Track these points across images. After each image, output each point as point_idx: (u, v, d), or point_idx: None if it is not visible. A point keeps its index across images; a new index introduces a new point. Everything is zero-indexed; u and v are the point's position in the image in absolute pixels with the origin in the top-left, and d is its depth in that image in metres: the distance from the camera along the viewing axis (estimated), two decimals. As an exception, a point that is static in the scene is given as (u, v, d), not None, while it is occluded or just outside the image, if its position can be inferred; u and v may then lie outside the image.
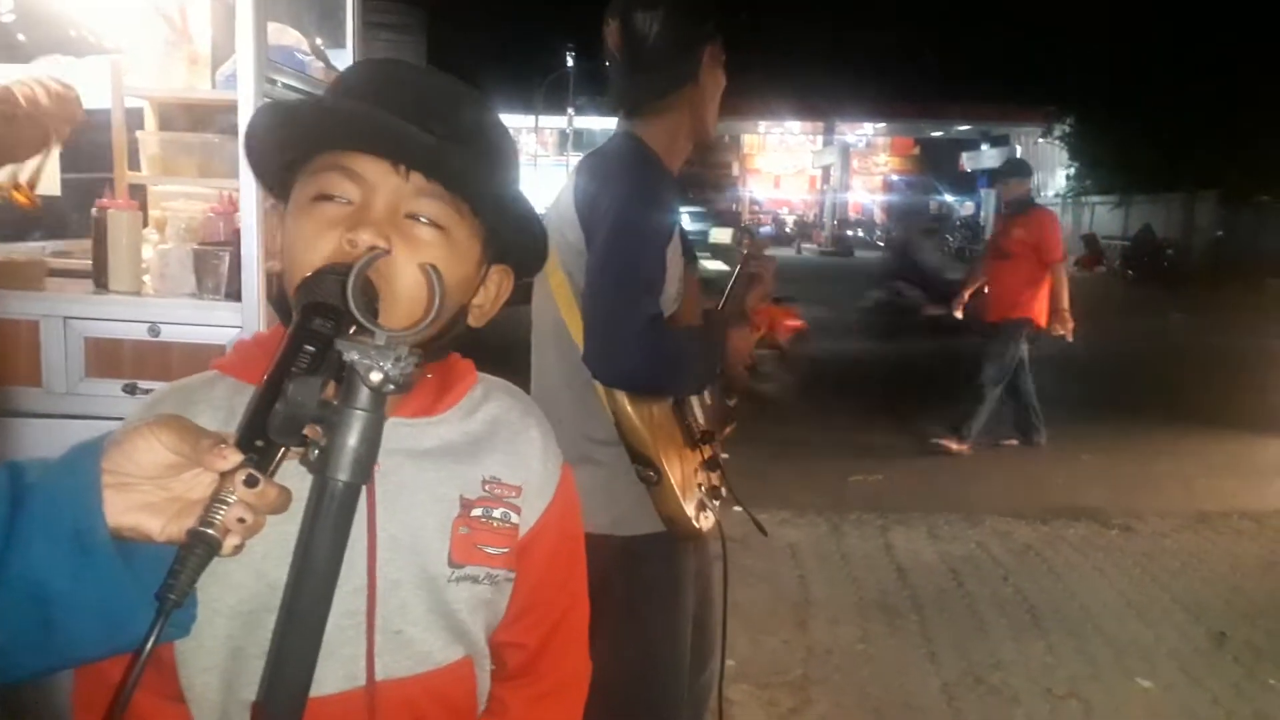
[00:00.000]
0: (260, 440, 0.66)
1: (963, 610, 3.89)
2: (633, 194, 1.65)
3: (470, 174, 0.85)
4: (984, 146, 43.92)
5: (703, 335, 1.77)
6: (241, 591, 0.67)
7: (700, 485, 1.76)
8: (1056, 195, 33.79)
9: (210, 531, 0.64)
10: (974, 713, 3.09)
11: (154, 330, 2.03)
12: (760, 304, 1.97)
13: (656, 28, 1.67)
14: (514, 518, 0.94)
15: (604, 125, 42.14)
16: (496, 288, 0.95)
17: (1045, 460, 6.28)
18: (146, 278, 2.17)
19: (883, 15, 42.03)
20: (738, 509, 1.94)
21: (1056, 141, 33.71)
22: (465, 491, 0.91)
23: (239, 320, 1.99)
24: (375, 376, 0.65)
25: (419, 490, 0.88)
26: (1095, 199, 31.16)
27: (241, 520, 0.64)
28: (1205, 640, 3.63)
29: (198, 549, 0.64)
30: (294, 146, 0.86)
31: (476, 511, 0.91)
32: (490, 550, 0.91)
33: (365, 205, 0.82)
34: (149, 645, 0.62)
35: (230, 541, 0.65)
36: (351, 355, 0.65)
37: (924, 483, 5.70)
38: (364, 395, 0.65)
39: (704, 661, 1.95)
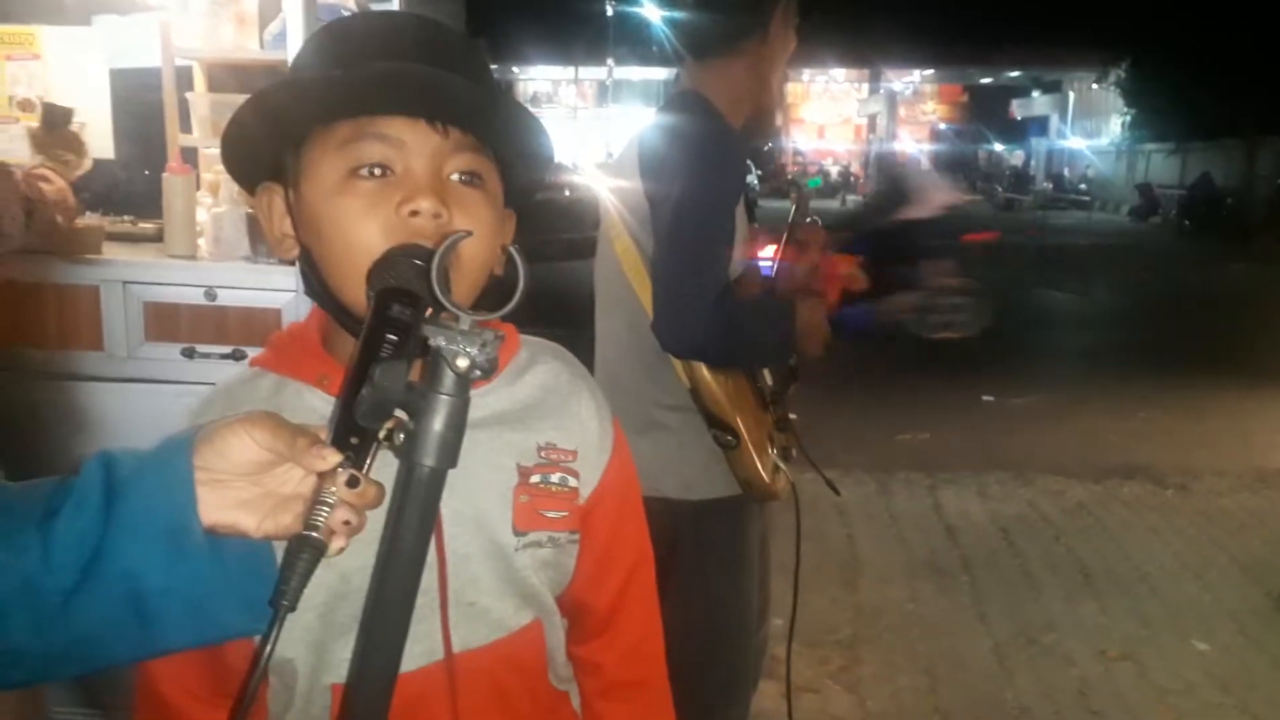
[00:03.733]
0: (355, 437, 0.65)
1: (1014, 570, 3.86)
2: (702, 162, 1.62)
3: (507, 119, 0.83)
4: (1035, 94, 42.80)
5: (776, 313, 1.76)
6: (314, 583, 0.67)
7: (773, 446, 1.75)
8: (1110, 143, 32.89)
9: (316, 535, 0.64)
10: (1026, 673, 3.07)
11: (210, 294, 2.05)
12: (807, 274, 1.93)
13: None
14: (572, 481, 0.93)
15: (644, 76, 41.80)
16: (509, 232, 0.92)
17: (1098, 417, 6.17)
18: (201, 241, 2.19)
19: (932, -43, 40.81)
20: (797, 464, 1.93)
21: (1111, 88, 32.69)
22: (521, 459, 0.91)
23: (293, 284, 2.00)
24: (463, 363, 0.64)
25: (476, 462, 0.87)
26: (1151, 146, 30.28)
27: (347, 522, 0.65)
28: (1264, 602, 3.57)
29: (305, 553, 0.64)
30: (312, 120, 0.80)
31: (535, 478, 0.91)
32: (552, 515, 0.92)
33: (409, 170, 0.79)
34: (269, 650, 0.63)
35: (336, 544, 0.65)
36: (439, 341, 0.64)
37: (973, 441, 5.64)
38: (450, 380, 0.64)
39: (762, 619, 1.97)
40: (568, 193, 13.76)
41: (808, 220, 1.96)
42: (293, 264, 0.88)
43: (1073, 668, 3.11)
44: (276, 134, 0.82)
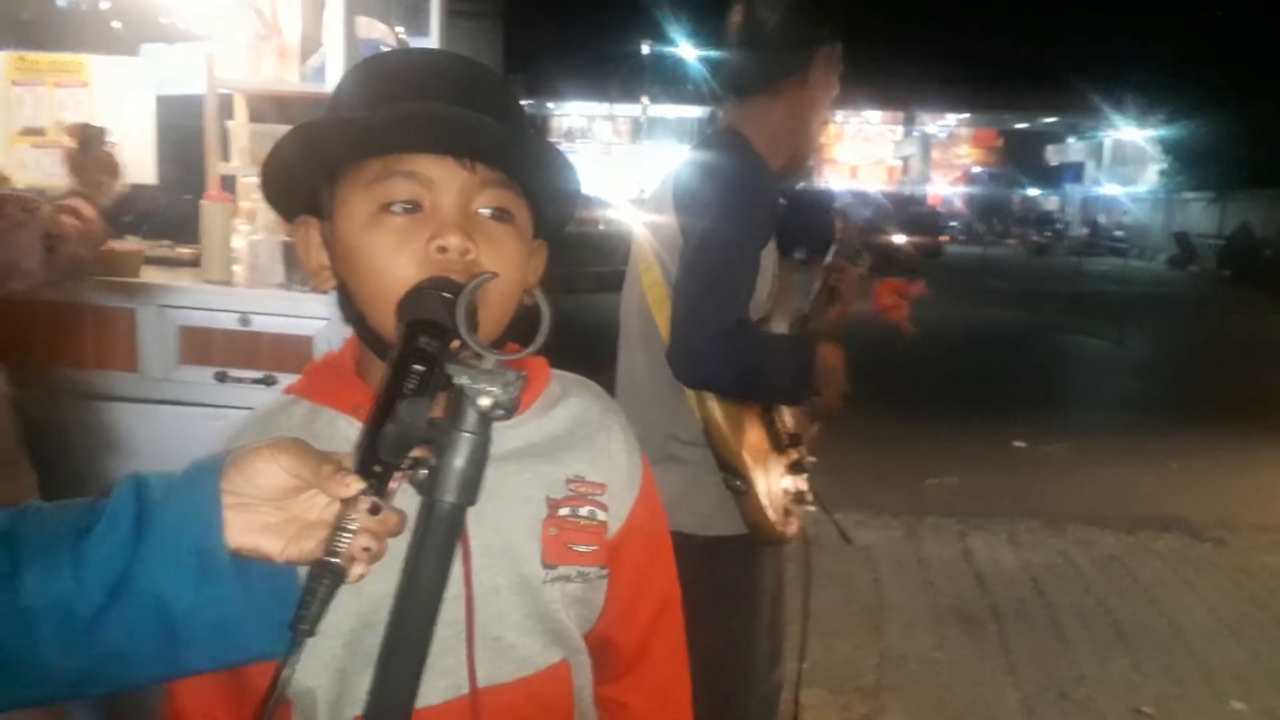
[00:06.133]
0: (377, 465, 0.65)
1: (1044, 621, 3.77)
2: (734, 197, 1.64)
3: (534, 155, 0.84)
4: (1070, 140, 42.69)
5: (792, 350, 1.75)
6: (341, 609, 0.67)
7: (786, 490, 1.73)
8: (1148, 191, 32.67)
9: (337, 561, 0.64)
10: (1055, 728, 3.00)
11: (244, 320, 2.07)
12: (839, 321, 1.92)
13: (777, 16, 1.72)
14: (600, 515, 0.93)
15: (678, 113, 42.17)
16: (539, 263, 0.93)
17: (1133, 467, 6.06)
18: (237, 268, 2.22)
19: (967, 5, 41.07)
20: (812, 508, 1.91)
21: (1148, 136, 32.56)
22: (550, 492, 0.91)
23: (327, 312, 2.02)
24: (485, 402, 0.65)
25: (505, 495, 0.88)
26: (1189, 195, 30.05)
27: (367, 549, 0.65)
28: (1304, 663, 3.47)
29: (325, 579, 0.64)
30: (343, 160, 0.83)
31: (564, 511, 0.91)
32: (581, 549, 0.91)
33: (437, 206, 0.80)
34: (288, 674, 0.63)
35: (356, 570, 0.66)
36: (463, 380, 0.65)
37: (1004, 487, 5.56)
38: (472, 418, 0.65)
39: (775, 662, 1.94)
40: (601, 227, 13.88)
41: (853, 253, 1.96)
42: (326, 293, 0.89)
43: (1104, 724, 3.03)
44: (311, 169, 0.84)
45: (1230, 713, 3.11)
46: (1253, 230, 23.66)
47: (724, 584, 1.74)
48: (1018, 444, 6.44)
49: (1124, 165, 38.96)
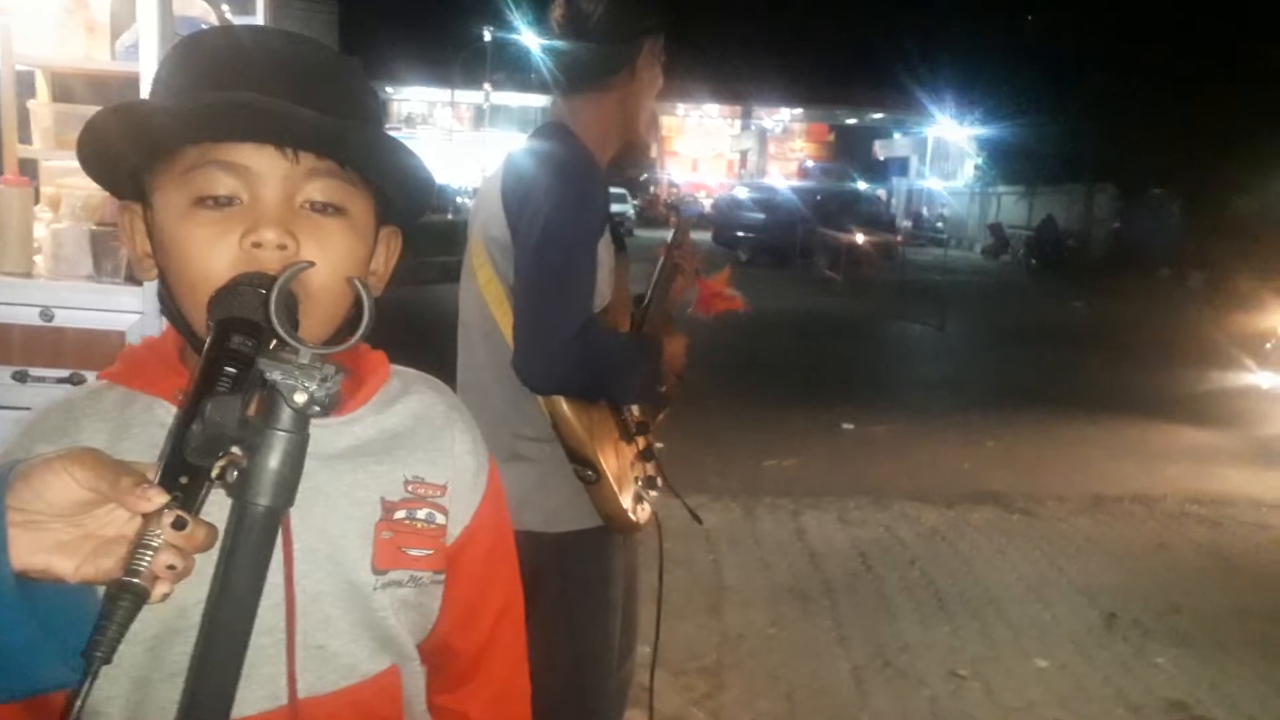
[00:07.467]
0: (185, 476, 0.62)
1: (872, 594, 3.98)
2: (565, 195, 1.62)
3: (366, 145, 0.80)
4: (896, 135, 44.81)
5: (640, 351, 1.77)
6: (146, 616, 0.63)
7: (636, 477, 1.76)
8: (965, 185, 34.70)
9: (138, 581, 0.60)
10: (881, 695, 3.17)
11: (47, 314, 1.93)
12: (681, 296, 1.97)
13: (601, 8, 1.70)
14: (439, 518, 0.90)
15: (521, 101, 41.80)
16: (388, 250, 0.90)
17: (952, 444, 6.46)
18: (38, 258, 2.07)
19: (801, 5, 42.51)
20: (658, 494, 1.95)
21: (966, 133, 34.63)
22: (386, 493, 0.87)
23: (140, 305, 1.90)
24: (300, 398, 0.62)
25: (335, 495, 0.84)
26: (1002, 189, 32.13)
27: (171, 567, 0.60)
28: (1098, 620, 3.79)
29: (124, 600, 0.59)
30: (154, 148, 0.77)
31: (400, 514, 0.87)
32: (415, 553, 0.88)
33: (256, 199, 0.76)
34: (78, 706, 0.58)
35: (159, 590, 0.61)
36: (274, 375, 0.61)
37: (836, 467, 5.82)
38: (287, 416, 0.62)
39: (629, 650, 1.96)
40: (449, 215, 13.60)
41: (685, 242, 2.00)
42: (139, 284, 0.85)
43: (925, 688, 3.22)
44: (128, 152, 0.79)
45: (1034, 670, 3.38)
46: (1056, 223, 25.55)
47: (576, 579, 1.74)
48: (846, 425, 6.75)
49: (945, 160, 41.23)
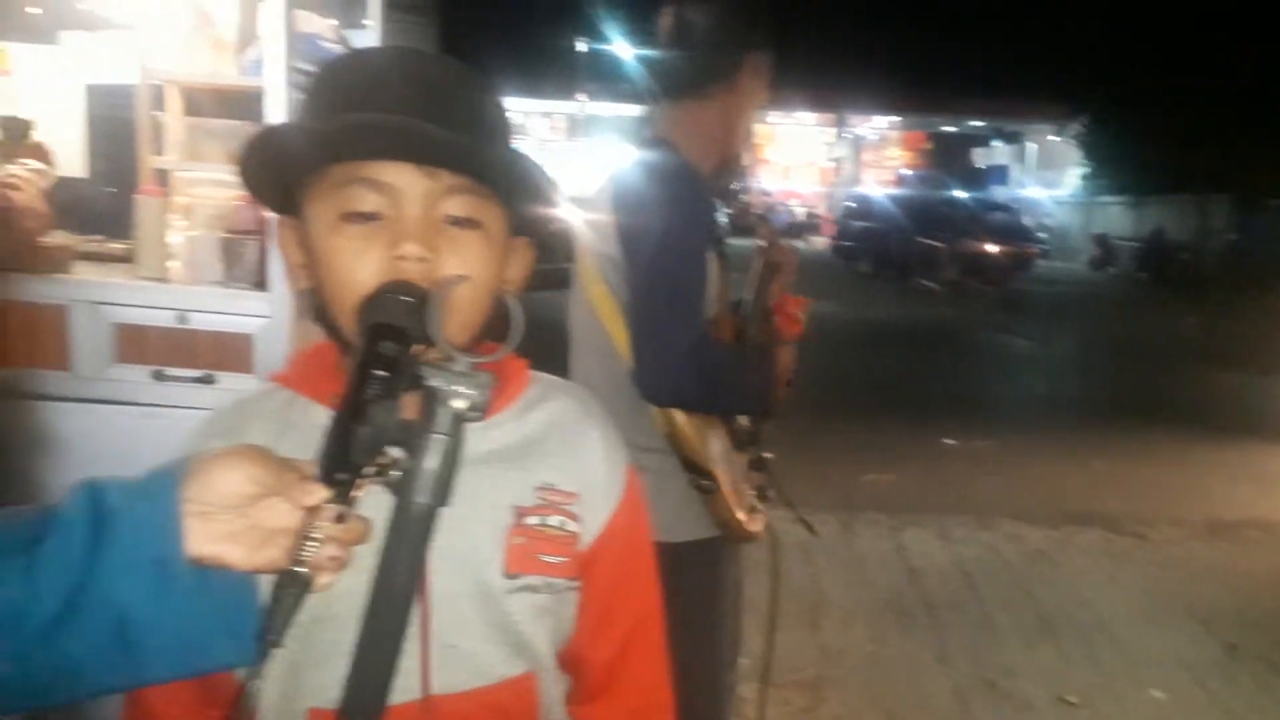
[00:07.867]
0: (343, 473, 0.65)
1: (974, 614, 3.88)
2: (674, 211, 1.64)
3: (498, 161, 0.83)
4: (996, 143, 43.73)
5: (753, 361, 1.78)
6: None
7: (749, 488, 1.76)
8: (1069, 194, 33.65)
9: (303, 570, 0.64)
10: (985, 717, 3.08)
11: (182, 318, 2.02)
12: (782, 295, 1.96)
13: (708, 21, 1.73)
14: (571, 525, 0.91)
15: (616, 112, 42.16)
16: (521, 262, 0.93)
17: (1057, 464, 6.25)
18: (173, 264, 2.16)
19: (899, 9, 41.90)
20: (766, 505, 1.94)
21: (1070, 140, 33.56)
22: (519, 499, 0.89)
23: (267, 310, 1.98)
24: (459, 404, 0.66)
25: (472, 498, 0.85)
26: (1108, 199, 31.02)
27: (334, 558, 0.65)
28: (1218, 651, 3.62)
29: (292, 588, 0.64)
30: (303, 167, 0.82)
31: (532, 520, 0.89)
32: (549, 559, 0.89)
33: (399, 214, 0.79)
34: (252, 685, 0.64)
35: (322, 579, 0.66)
36: (435, 382, 0.65)
37: (936, 484, 5.69)
38: (445, 420, 0.66)
39: (731, 662, 1.95)
40: (551, 225, 13.81)
41: (783, 242, 1.98)
42: (266, 290, 0.90)
43: (1032, 713, 3.12)
44: (279, 173, 0.84)
45: (1150, 700, 3.24)
46: (1167, 235, 24.52)
47: (689, 589, 1.73)
48: (948, 441, 6.60)
49: (1047, 169, 40.06)
